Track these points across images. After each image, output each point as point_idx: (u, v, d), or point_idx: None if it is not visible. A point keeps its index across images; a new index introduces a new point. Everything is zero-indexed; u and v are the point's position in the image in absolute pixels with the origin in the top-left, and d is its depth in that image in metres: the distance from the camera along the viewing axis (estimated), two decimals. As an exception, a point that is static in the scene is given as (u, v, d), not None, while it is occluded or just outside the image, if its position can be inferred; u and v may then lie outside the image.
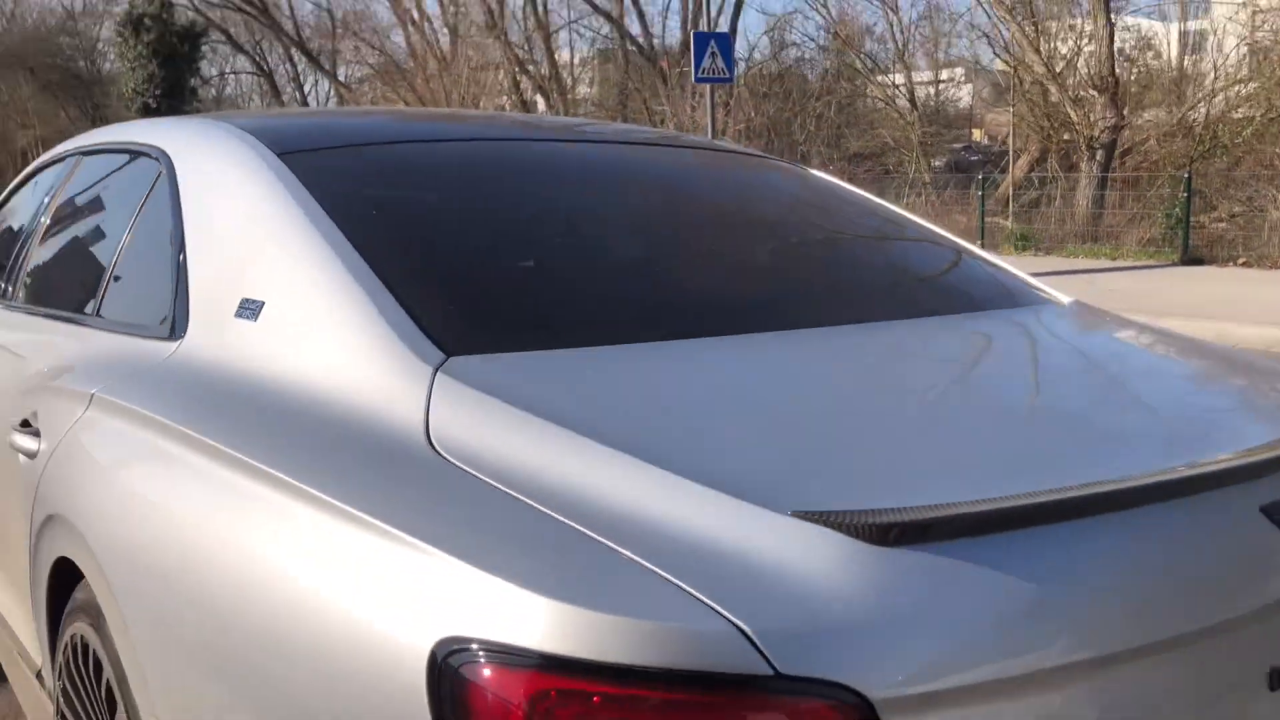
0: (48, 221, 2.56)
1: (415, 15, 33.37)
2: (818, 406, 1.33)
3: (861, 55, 23.40)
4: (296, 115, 2.44)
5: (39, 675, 1.96)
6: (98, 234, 2.30)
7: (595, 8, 29.66)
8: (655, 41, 28.23)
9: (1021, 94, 16.84)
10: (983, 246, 14.44)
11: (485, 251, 1.71)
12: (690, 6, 16.27)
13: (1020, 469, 1.17)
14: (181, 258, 1.72)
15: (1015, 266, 2.14)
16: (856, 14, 25.76)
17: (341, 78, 41.93)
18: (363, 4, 39.36)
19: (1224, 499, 1.13)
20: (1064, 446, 1.27)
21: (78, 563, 1.54)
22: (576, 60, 33.67)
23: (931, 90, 27.37)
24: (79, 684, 1.59)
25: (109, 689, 1.45)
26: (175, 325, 1.67)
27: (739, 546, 0.95)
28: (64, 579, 1.64)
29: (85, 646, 1.55)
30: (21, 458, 1.83)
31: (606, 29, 29.90)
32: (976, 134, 32.33)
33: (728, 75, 16.36)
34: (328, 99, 47.51)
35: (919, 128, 21.97)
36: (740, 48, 28.48)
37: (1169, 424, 1.44)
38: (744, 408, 1.28)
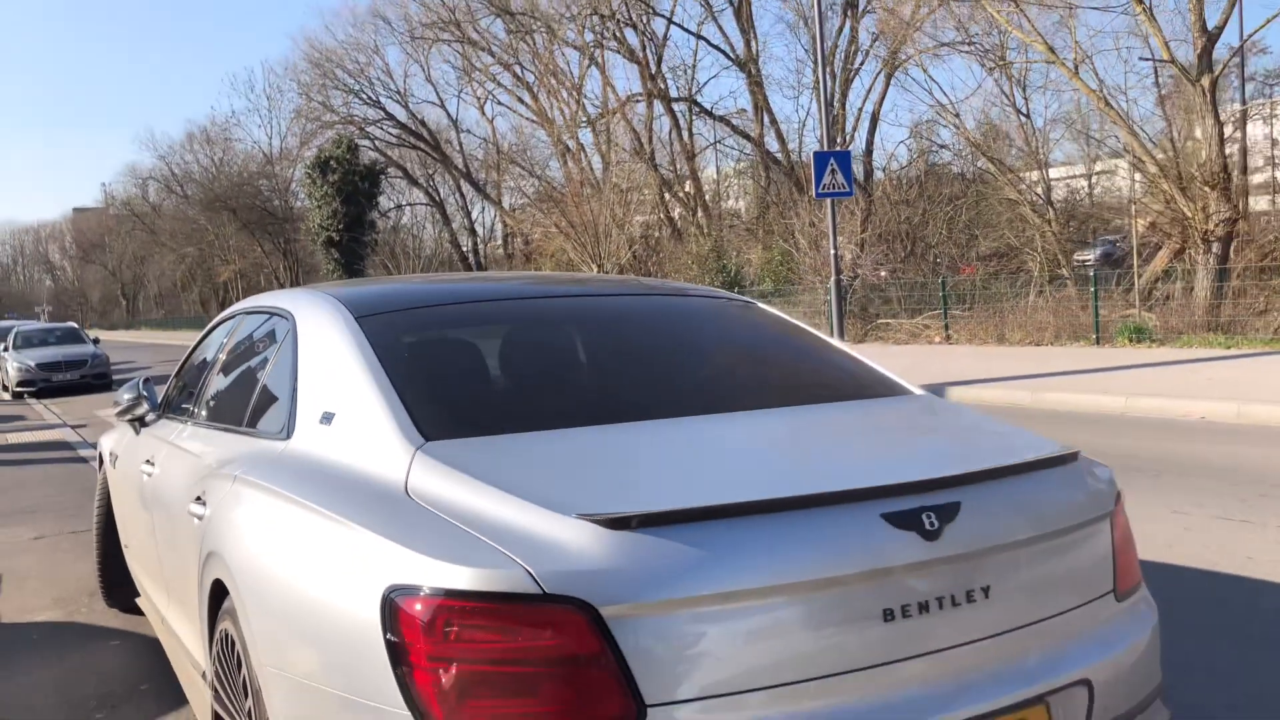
0: (222, 360, 3.62)
1: (570, 146, 35.88)
2: (636, 460, 2.16)
3: (993, 160, 23.81)
4: (379, 285, 3.41)
5: (203, 675, 2.88)
6: (248, 370, 3.34)
7: (734, 129, 31.15)
8: (794, 155, 29.34)
9: (1150, 189, 16.97)
10: (1098, 341, 14.62)
11: (463, 374, 2.63)
12: (825, 122, 17.31)
13: (734, 487, 1.94)
14: (295, 384, 2.68)
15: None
16: (995, 119, 25.97)
17: (505, 204, 44.96)
18: (524, 138, 42.04)
19: (858, 507, 1.87)
20: (769, 476, 2.05)
21: (224, 580, 2.46)
22: (722, 175, 35.22)
23: (1085, 183, 27.32)
24: (224, 661, 2.50)
25: (239, 658, 2.34)
26: (288, 430, 2.62)
27: (546, 534, 1.76)
28: (217, 597, 2.57)
29: (228, 635, 2.45)
30: (195, 520, 2.80)
31: (749, 147, 31.29)
32: (1140, 224, 31.80)
33: (847, 190, 17.20)
34: (493, 224, 50.81)
35: (1055, 225, 22.15)
36: (878, 157, 29.51)
37: (860, 463, 2.19)
38: (583, 462, 2.11)
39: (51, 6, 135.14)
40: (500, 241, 49.25)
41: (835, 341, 3.09)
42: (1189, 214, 14.74)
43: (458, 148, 46.13)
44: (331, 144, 42.13)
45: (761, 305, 3.37)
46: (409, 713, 1.70)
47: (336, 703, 1.86)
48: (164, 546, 3.40)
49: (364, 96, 44.95)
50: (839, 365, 2.94)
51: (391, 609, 1.75)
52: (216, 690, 2.58)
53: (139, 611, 4.72)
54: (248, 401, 3.07)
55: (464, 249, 49.64)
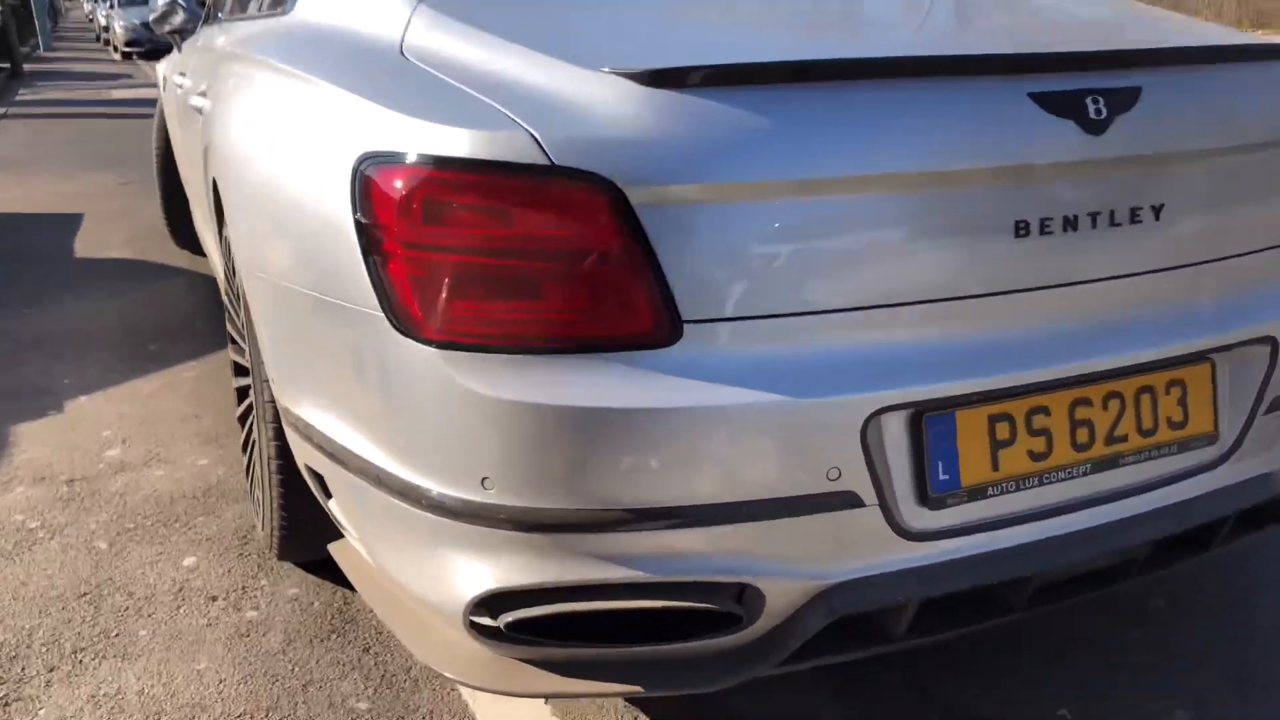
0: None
1: None
2: (701, 13, 1.64)
3: None
4: None
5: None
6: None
7: None
8: None
9: None
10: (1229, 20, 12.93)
11: None
12: None
13: (825, 46, 1.44)
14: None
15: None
16: None
17: None
18: None
19: (998, 82, 1.35)
20: (871, 34, 1.53)
21: (215, 176, 2.11)
22: None
23: None
24: (231, 274, 2.18)
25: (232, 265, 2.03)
26: (291, 4, 2.17)
27: (563, 92, 1.31)
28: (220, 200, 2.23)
29: (228, 240, 2.12)
30: (198, 116, 2.44)
31: None
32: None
33: None
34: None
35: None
36: None
37: (1008, 30, 1.64)
38: (629, 16, 1.61)
39: None
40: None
41: None
42: None
43: None
44: None
45: None
46: (382, 314, 1.33)
47: (310, 305, 1.51)
48: (189, 160, 3.07)
49: None
50: None
51: (363, 183, 1.34)
52: (228, 308, 2.29)
53: (207, 251, 4.55)
54: None
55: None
